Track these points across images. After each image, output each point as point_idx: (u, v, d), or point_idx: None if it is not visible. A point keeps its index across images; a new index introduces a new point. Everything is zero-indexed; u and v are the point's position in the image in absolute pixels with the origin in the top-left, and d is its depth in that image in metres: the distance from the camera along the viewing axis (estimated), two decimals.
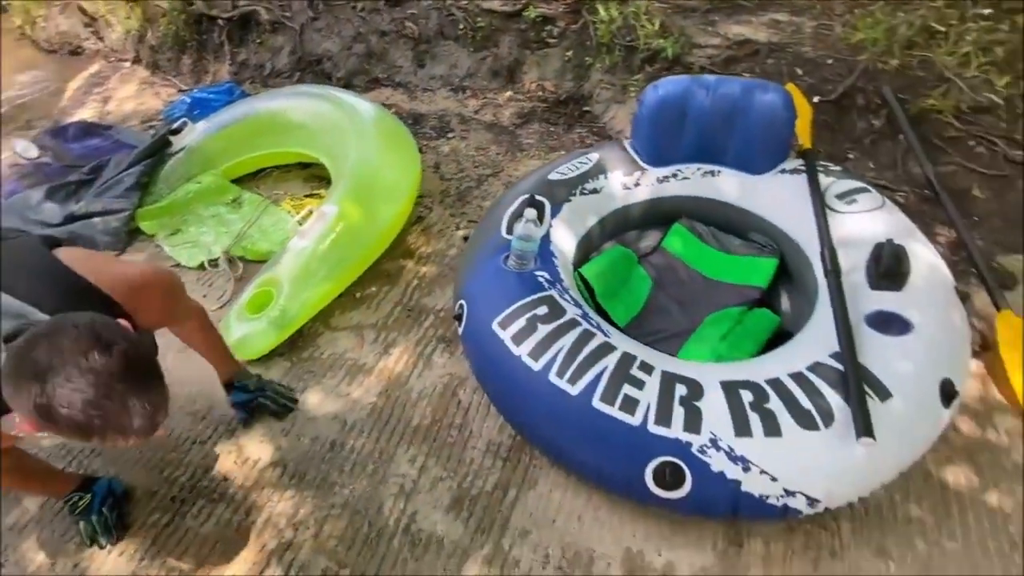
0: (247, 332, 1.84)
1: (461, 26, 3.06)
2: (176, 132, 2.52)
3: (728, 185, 1.91)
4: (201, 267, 2.19)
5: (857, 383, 1.28)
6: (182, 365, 1.89)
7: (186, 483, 1.59)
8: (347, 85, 3.11)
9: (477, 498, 1.52)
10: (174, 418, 1.73)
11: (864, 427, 1.22)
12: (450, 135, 2.77)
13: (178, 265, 2.22)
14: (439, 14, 3.12)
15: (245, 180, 2.59)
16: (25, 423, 0.90)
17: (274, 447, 1.66)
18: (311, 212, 2.17)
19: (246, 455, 1.64)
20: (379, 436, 1.67)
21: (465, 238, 2.21)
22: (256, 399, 1.67)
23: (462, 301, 1.65)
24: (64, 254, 1.11)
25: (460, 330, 1.63)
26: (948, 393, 1.34)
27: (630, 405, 1.32)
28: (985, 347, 1.75)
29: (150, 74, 3.49)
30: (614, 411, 1.32)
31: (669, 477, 1.27)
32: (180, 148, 2.48)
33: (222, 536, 1.48)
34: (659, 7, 2.83)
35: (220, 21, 3.32)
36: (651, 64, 2.70)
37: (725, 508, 1.29)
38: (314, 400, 1.76)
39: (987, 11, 2.50)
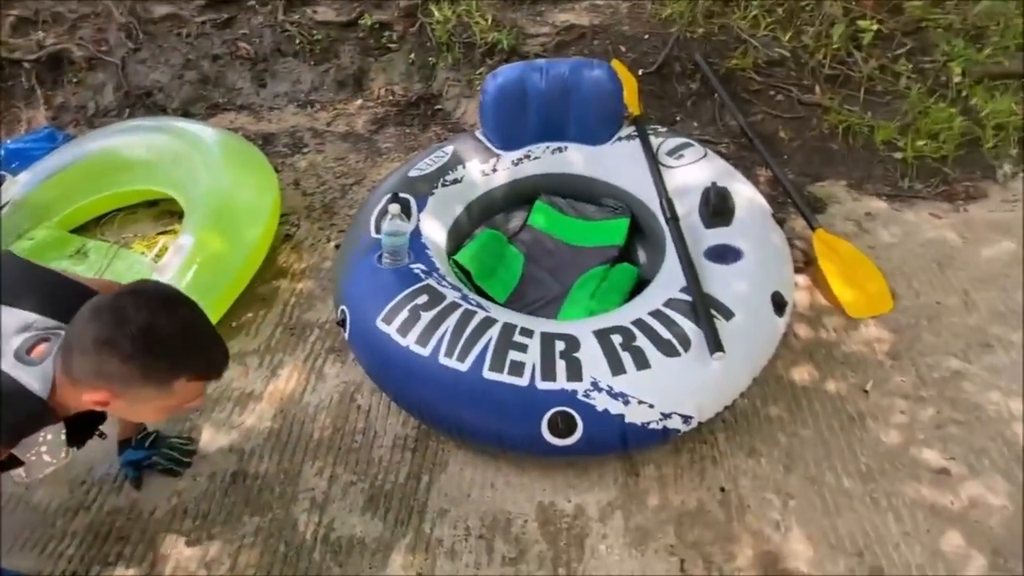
0: None
1: (298, 41, 3.02)
2: None
3: (575, 158, 2.06)
4: None
5: (704, 308, 1.47)
6: None
7: (74, 554, 1.49)
8: (185, 114, 2.96)
9: (392, 492, 1.56)
10: (47, 489, 1.60)
11: (715, 344, 1.40)
12: (305, 150, 2.74)
13: None
14: (272, 31, 3.06)
15: (88, 227, 2.40)
16: (100, 392, 0.95)
17: (170, 493, 1.58)
18: (166, 248, 2.08)
19: (139, 509, 1.56)
20: (281, 458, 1.65)
21: (338, 246, 2.22)
22: (149, 457, 1.57)
23: (343, 306, 1.67)
24: None
25: (346, 335, 1.65)
26: (779, 303, 1.57)
27: (517, 368, 1.42)
28: (808, 263, 2.04)
29: None
30: (504, 377, 1.41)
31: (562, 425, 1.38)
32: (3, 204, 2.26)
33: None
34: (489, 3, 2.97)
35: (26, 64, 3.04)
36: (491, 57, 2.83)
37: (616, 442, 1.42)
38: (206, 437, 1.70)
39: None
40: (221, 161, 2.17)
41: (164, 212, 2.46)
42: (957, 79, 2.48)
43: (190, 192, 2.15)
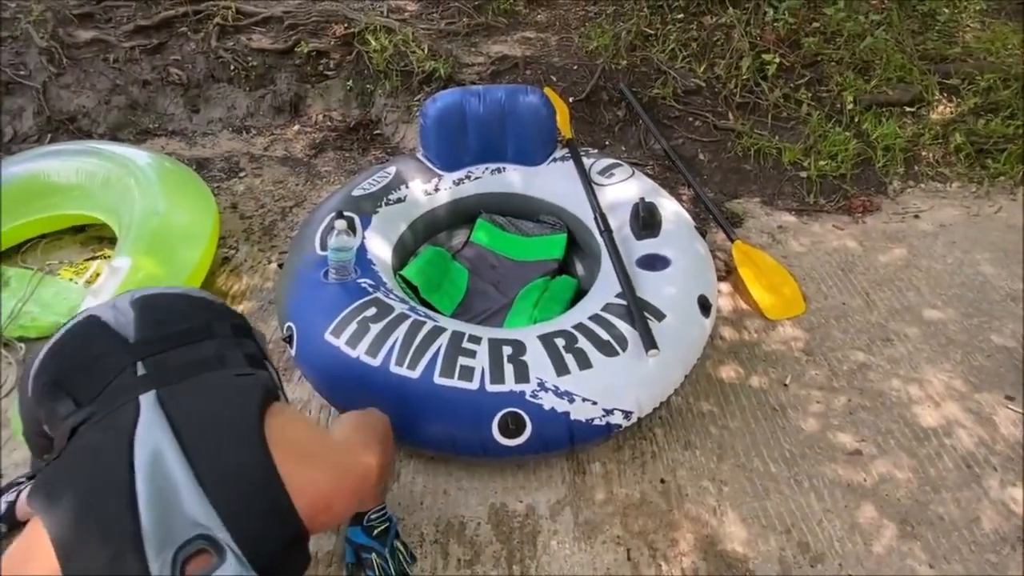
0: None
1: (232, 67, 3.02)
2: None
3: (513, 178, 2.17)
4: None
5: (638, 310, 1.58)
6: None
7: None
8: (113, 140, 2.89)
9: None
10: None
11: (650, 342, 1.51)
12: (242, 174, 2.73)
13: None
14: (206, 58, 3.05)
15: (8, 255, 2.29)
16: None
17: None
18: (97, 273, 2.01)
19: None
20: None
21: (280, 265, 2.21)
22: (370, 555, 1.37)
23: (289, 323, 1.67)
24: (274, 428, 0.89)
25: (293, 352, 1.66)
26: (705, 305, 1.70)
27: (467, 373, 1.48)
28: (729, 271, 2.21)
29: None
30: (454, 382, 1.46)
31: (512, 425, 1.44)
32: None
33: None
34: (425, 33, 3.08)
35: None
36: (428, 84, 2.92)
37: (563, 440, 1.49)
38: None
39: (680, 16, 3.13)
40: (156, 184, 2.14)
41: (91, 238, 2.38)
42: (850, 106, 2.78)
43: (122, 215, 2.10)
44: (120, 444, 0.85)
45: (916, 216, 2.52)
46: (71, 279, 2.17)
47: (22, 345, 1.96)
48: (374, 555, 1.38)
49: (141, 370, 0.99)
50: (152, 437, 0.85)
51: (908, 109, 2.83)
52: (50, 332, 1.95)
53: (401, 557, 1.42)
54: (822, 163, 2.63)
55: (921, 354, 1.95)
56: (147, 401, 0.91)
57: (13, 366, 1.89)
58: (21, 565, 0.82)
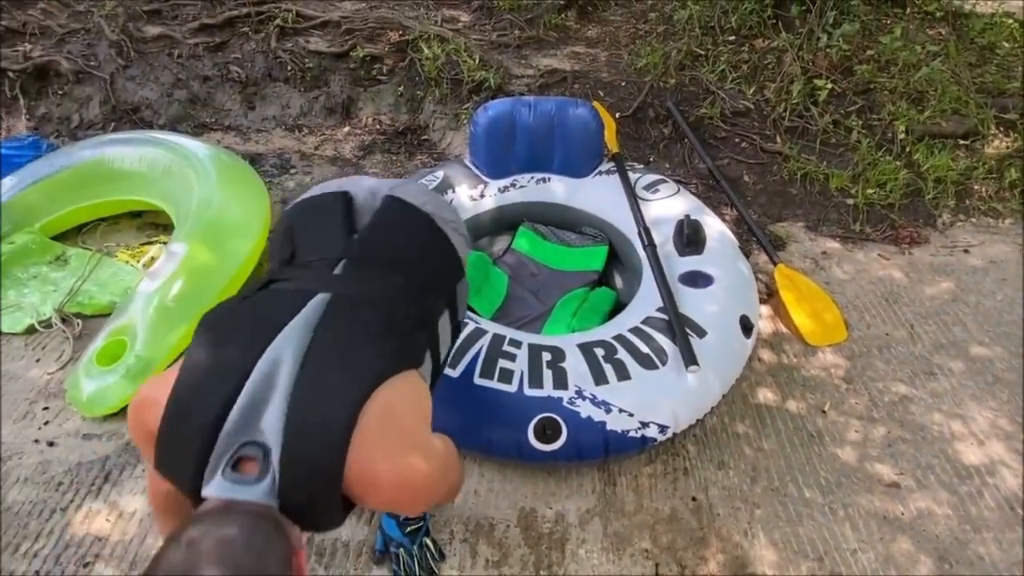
0: (100, 386, 1.74)
1: (289, 68, 3.13)
2: None
3: (558, 189, 2.19)
4: (30, 331, 2.01)
5: (680, 325, 1.58)
6: (21, 431, 1.74)
7: (49, 554, 1.46)
8: (172, 131, 3.00)
9: None
10: (21, 491, 1.58)
11: (689, 358, 1.51)
12: (293, 171, 2.81)
13: None
14: (265, 57, 3.16)
15: (68, 235, 2.40)
16: None
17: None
18: (154, 258, 2.10)
19: (121, 509, 1.55)
20: None
21: None
22: (398, 550, 1.40)
23: None
24: (387, 393, 0.86)
25: None
26: (746, 325, 1.70)
27: (506, 376, 1.50)
28: (770, 294, 2.19)
29: None
30: (493, 383, 1.49)
31: (548, 430, 1.46)
32: None
33: None
34: (476, 43, 3.14)
35: (11, 74, 3.04)
36: (477, 94, 2.98)
37: (598, 449, 1.50)
38: None
39: (732, 38, 3.14)
40: (213, 175, 2.22)
41: (147, 224, 2.48)
42: (901, 136, 2.74)
43: (181, 204, 2.18)
44: (268, 330, 0.88)
45: (965, 251, 2.46)
46: (127, 262, 2.26)
47: (79, 321, 2.04)
48: (402, 550, 1.41)
49: (338, 270, 1.04)
50: (292, 340, 0.87)
51: (962, 142, 2.77)
52: (107, 310, 2.05)
53: (429, 555, 1.44)
54: (870, 191, 2.59)
55: (966, 390, 1.90)
56: (315, 303, 0.93)
57: (70, 341, 1.98)
58: (153, 380, 0.91)
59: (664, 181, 2.15)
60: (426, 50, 3.04)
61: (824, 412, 1.82)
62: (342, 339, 0.91)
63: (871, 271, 2.35)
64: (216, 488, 0.78)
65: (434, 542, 1.45)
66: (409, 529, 1.41)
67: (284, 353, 0.86)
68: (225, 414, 0.80)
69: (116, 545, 1.48)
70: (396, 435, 0.87)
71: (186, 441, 0.81)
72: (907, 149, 2.73)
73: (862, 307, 2.19)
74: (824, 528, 1.54)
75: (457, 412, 1.50)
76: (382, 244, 1.11)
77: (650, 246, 1.87)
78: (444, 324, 1.15)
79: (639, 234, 1.94)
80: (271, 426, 0.81)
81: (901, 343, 2.05)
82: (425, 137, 3.03)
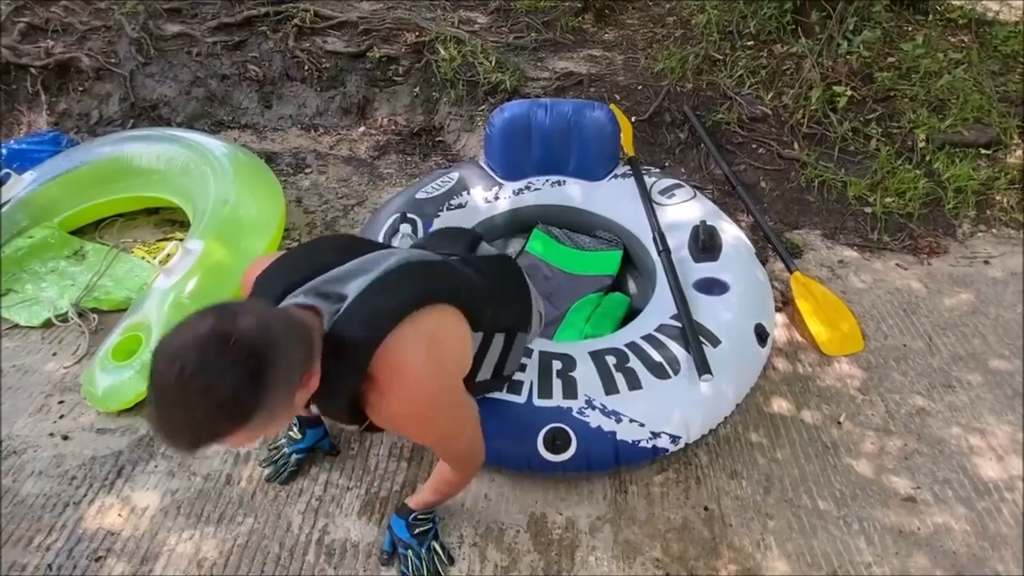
0: (115, 382, 1.75)
1: (306, 67, 3.14)
2: None
3: (573, 192, 2.19)
4: (47, 324, 2.03)
5: (693, 334, 1.57)
6: (36, 425, 1.76)
7: (62, 547, 1.48)
8: (189, 128, 3.02)
9: (387, 499, 1.59)
10: (36, 484, 1.59)
11: (703, 367, 1.50)
12: (308, 170, 2.82)
13: (16, 326, 2.04)
14: (282, 57, 3.18)
15: (86, 231, 2.42)
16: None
17: (163, 491, 1.59)
18: (171, 255, 2.11)
19: (132, 505, 1.56)
20: None
21: None
22: (406, 552, 1.41)
23: None
24: (431, 316, 1.12)
25: None
26: (761, 334, 1.68)
27: (516, 387, 1.49)
28: (786, 303, 2.17)
29: None
30: (503, 395, 1.48)
31: (558, 441, 1.45)
32: (5, 201, 2.27)
33: None
34: (493, 45, 3.14)
35: (33, 70, 3.08)
36: (493, 96, 2.98)
37: (608, 460, 1.49)
38: None
39: (750, 43, 3.11)
40: (231, 174, 2.23)
41: (164, 220, 2.50)
42: (921, 144, 2.70)
43: (197, 201, 2.20)
44: (371, 246, 1.26)
45: (986, 262, 2.42)
46: (143, 258, 2.28)
47: (95, 316, 2.06)
48: (410, 552, 1.41)
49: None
50: (395, 253, 1.21)
51: (984, 151, 2.73)
52: (123, 306, 2.07)
53: (437, 558, 1.44)
54: (889, 200, 2.56)
55: (984, 404, 1.87)
56: (420, 252, 1.29)
57: (86, 335, 2.00)
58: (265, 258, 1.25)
59: (680, 186, 2.13)
60: (442, 51, 3.04)
61: (839, 423, 1.80)
62: (430, 265, 1.22)
63: (889, 281, 2.31)
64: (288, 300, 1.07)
65: (443, 546, 1.45)
66: (418, 531, 1.41)
67: (383, 259, 1.15)
68: (313, 275, 1.10)
69: (128, 540, 1.49)
70: (428, 344, 1.08)
71: (282, 276, 1.13)
72: (927, 158, 2.69)
73: (879, 317, 2.16)
74: (838, 541, 1.52)
75: None
76: (486, 266, 1.37)
77: (665, 251, 1.86)
78: (497, 343, 1.33)
79: (654, 239, 1.93)
80: (354, 289, 1.07)
81: (919, 354, 2.02)
82: (440, 138, 3.03)
